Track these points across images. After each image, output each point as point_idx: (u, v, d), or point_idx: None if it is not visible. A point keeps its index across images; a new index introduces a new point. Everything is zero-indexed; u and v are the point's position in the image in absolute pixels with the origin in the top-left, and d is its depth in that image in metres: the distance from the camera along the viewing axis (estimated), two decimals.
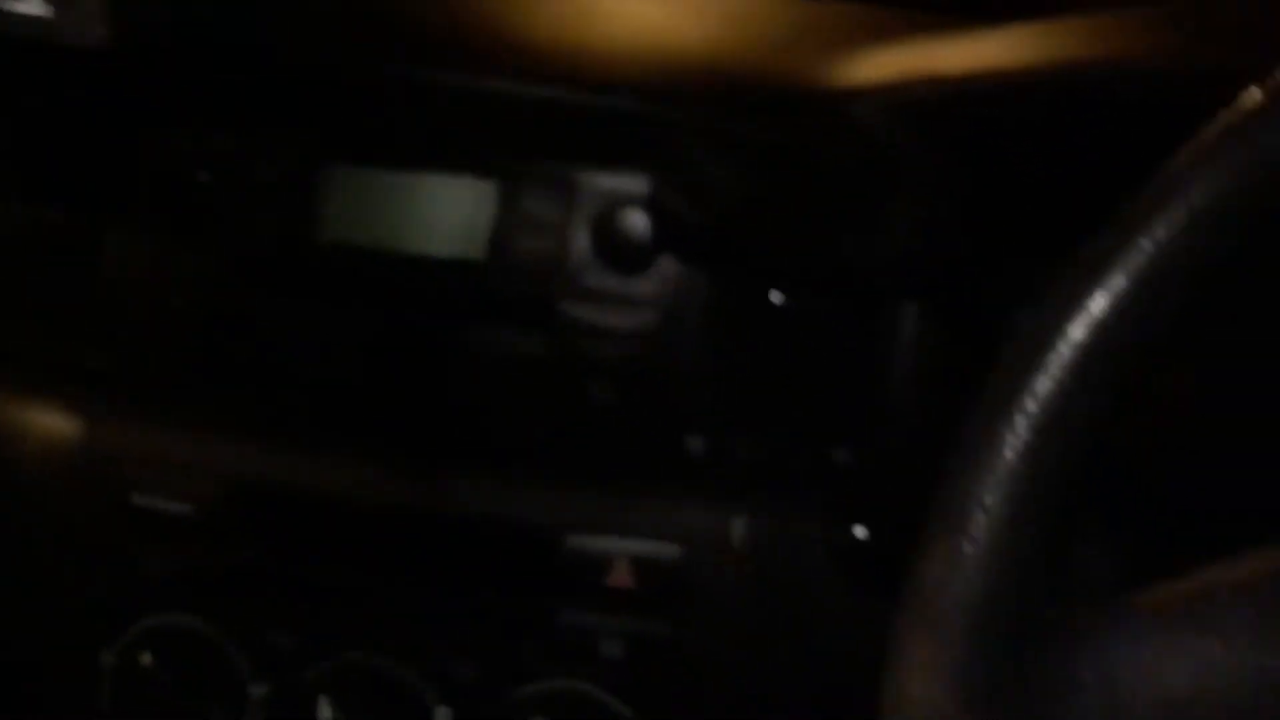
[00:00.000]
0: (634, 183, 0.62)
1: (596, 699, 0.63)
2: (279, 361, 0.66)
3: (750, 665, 0.63)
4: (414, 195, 0.64)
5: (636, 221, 0.62)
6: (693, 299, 0.63)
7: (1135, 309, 0.36)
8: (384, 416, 0.66)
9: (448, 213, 0.64)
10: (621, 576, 0.63)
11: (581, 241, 0.63)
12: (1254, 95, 0.36)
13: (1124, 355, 0.36)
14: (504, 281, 0.63)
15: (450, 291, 0.64)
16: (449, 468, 0.65)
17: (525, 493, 0.64)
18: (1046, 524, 0.37)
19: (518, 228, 0.63)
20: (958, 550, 0.37)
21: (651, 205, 0.62)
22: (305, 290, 0.65)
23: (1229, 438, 0.60)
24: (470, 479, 0.65)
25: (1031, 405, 0.36)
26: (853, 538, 0.62)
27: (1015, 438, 0.37)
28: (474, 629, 0.65)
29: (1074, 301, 0.36)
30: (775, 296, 0.63)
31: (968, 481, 0.37)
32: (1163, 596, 0.37)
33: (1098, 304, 0.36)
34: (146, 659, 0.66)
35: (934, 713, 0.37)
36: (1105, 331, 0.36)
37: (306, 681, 0.65)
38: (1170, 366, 0.42)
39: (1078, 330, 0.36)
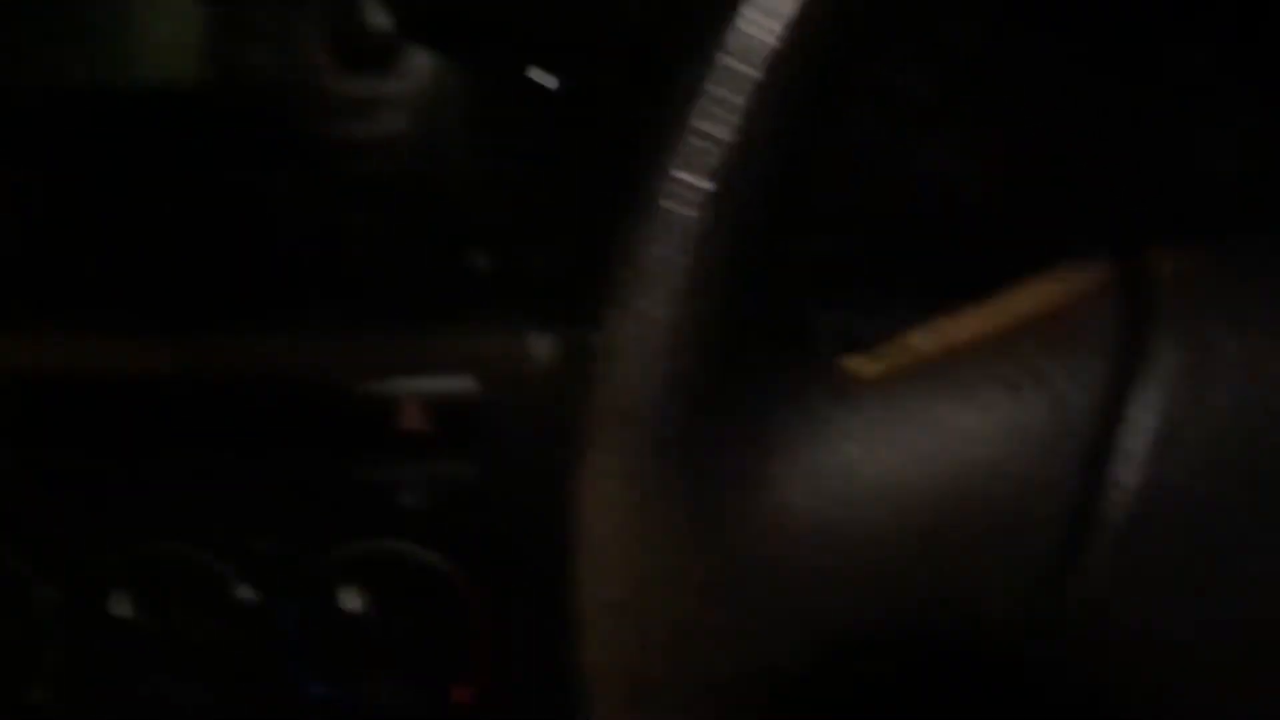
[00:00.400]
0: None
1: (406, 554, 0.57)
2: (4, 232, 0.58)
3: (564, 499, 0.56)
4: (123, 13, 0.55)
5: (373, 13, 0.54)
6: (450, 94, 0.55)
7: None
8: (135, 280, 0.58)
9: (161, 31, 0.55)
10: (414, 419, 0.56)
11: (315, 46, 0.54)
12: None
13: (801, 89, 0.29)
14: (235, 104, 0.55)
15: (177, 123, 0.56)
16: (214, 327, 0.57)
17: (299, 343, 0.57)
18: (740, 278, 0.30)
19: (241, 39, 0.54)
20: (647, 318, 0.30)
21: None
22: (18, 140, 0.57)
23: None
24: (237, 336, 0.57)
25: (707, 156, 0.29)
26: None
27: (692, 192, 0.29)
28: (267, 499, 0.58)
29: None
30: (543, 78, 0.54)
31: (649, 243, 0.30)
32: (887, 361, 0.30)
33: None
34: None
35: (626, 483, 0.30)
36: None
37: (97, 578, 0.59)
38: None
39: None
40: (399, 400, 0.56)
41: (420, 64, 0.55)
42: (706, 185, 0.30)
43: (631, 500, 0.30)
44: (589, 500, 0.31)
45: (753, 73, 0.29)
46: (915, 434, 0.30)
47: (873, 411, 0.30)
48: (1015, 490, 0.29)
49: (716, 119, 0.29)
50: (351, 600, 0.57)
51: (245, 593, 0.58)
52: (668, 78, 0.33)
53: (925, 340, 0.30)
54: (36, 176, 0.56)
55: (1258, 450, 0.28)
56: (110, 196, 0.56)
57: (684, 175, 0.30)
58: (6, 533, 0.59)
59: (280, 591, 0.58)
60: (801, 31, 0.29)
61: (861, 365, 0.31)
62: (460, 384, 0.56)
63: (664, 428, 0.30)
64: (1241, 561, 0.28)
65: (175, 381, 0.58)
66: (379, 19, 0.54)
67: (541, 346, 0.56)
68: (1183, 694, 0.29)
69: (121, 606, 0.59)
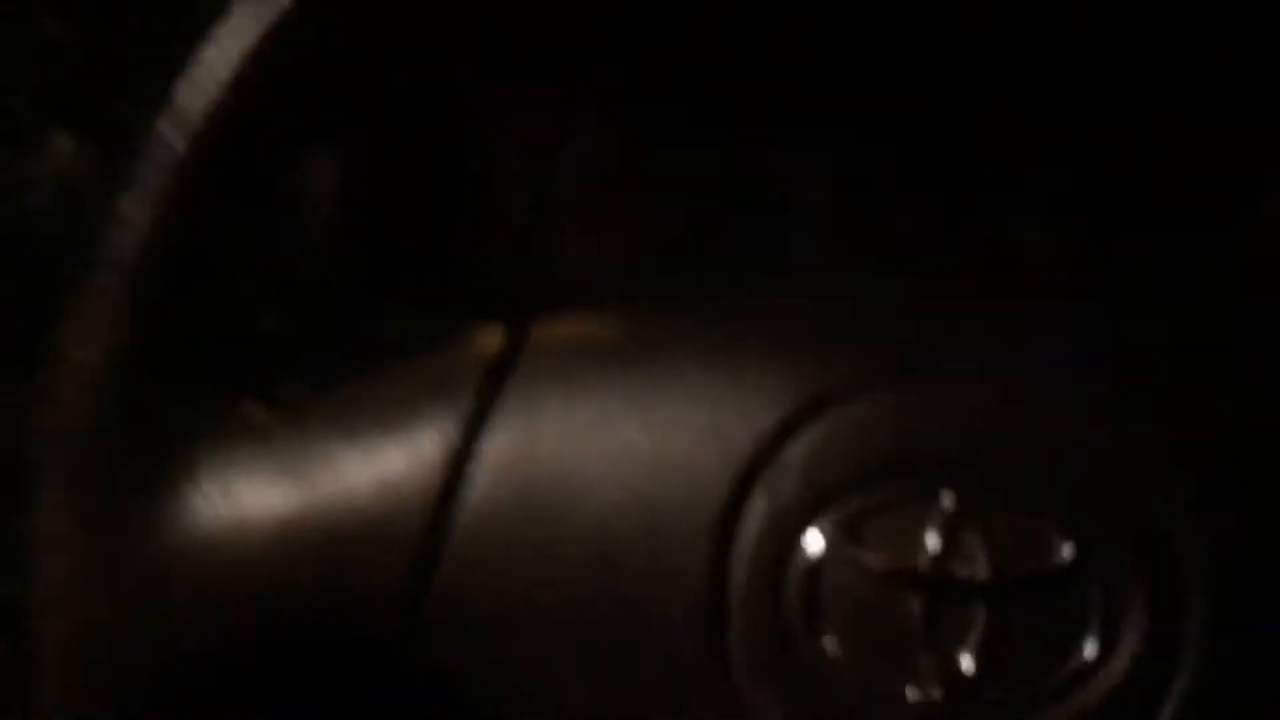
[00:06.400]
0: None
1: None
2: None
3: None
4: None
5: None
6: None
7: None
8: None
9: None
10: None
11: None
12: None
13: None
14: None
15: None
16: None
17: None
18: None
19: None
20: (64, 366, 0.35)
21: None
22: None
23: None
24: None
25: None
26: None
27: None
28: None
29: None
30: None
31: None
32: (257, 414, 0.36)
33: None
34: None
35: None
36: None
37: None
38: None
39: None
40: None
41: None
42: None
43: (61, 520, 0.35)
44: (39, 513, 0.36)
45: (176, 148, 0.35)
46: (300, 468, 0.36)
47: (270, 453, 0.36)
48: (380, 515, 0.35)
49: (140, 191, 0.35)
50: None
51: None
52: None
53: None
54: None
55: (568, 493, 0.35)
56: None
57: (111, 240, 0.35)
58: None
59: None
60: (215, 123, 0.35)
61: (253, 414, 0.37)
62: None
63: (84, 459, 0.35)
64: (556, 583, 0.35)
65: None
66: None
67: None
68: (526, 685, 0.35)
69: None
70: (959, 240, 0.63)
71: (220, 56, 0.37)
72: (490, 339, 0.37)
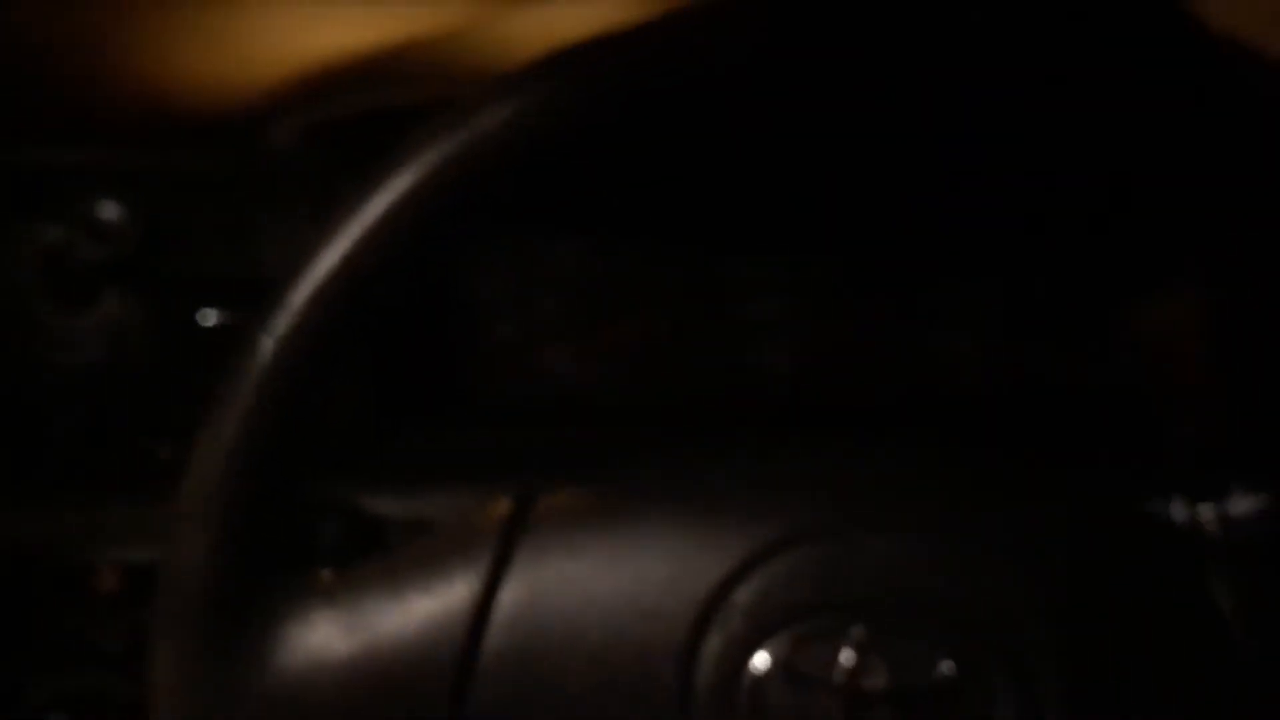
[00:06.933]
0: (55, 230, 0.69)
1: (106, 688, 0.71)
2: None
3: None
4: None
5: (77, 259, 0.69)
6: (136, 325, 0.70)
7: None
8: None
9: None
10: (110, 582, 0.71)
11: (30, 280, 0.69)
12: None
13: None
14: None
15: None
16: None
17: (20, 518, 0.71)
18: (260, 506, 0.45)
19: None
20: (193, 535, 0.45)
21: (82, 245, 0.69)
22: None
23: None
24: None
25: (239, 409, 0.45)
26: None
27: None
28: None
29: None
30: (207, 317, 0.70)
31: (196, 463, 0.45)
32: (325, 575, 0.46)
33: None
34: None
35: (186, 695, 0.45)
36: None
37: None
38: None
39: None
40: (97, 566, 0.71)
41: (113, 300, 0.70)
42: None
43: (177, 656, 0.45)
44: (158, 654, 0.46)
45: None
46: (356, 621, 0.46)
47: (335, 608, 0.46)
48: (420, 655, 0.45)
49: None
50: None
51: None
52: None
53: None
54: None
55: (566, 635, 0.45)
56: None
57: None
58: None
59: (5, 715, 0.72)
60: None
61: (321, 578, 0.47)
62: (146, 552, 0.71)
63: (197, 620, 0.45)
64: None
65: None
66: (80, 262, 0.69)
67: None
68: None
69: None
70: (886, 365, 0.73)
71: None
72: (501, 509, 0.48)
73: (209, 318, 0.70)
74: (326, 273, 0.45)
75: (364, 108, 0.70)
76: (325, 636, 0.45)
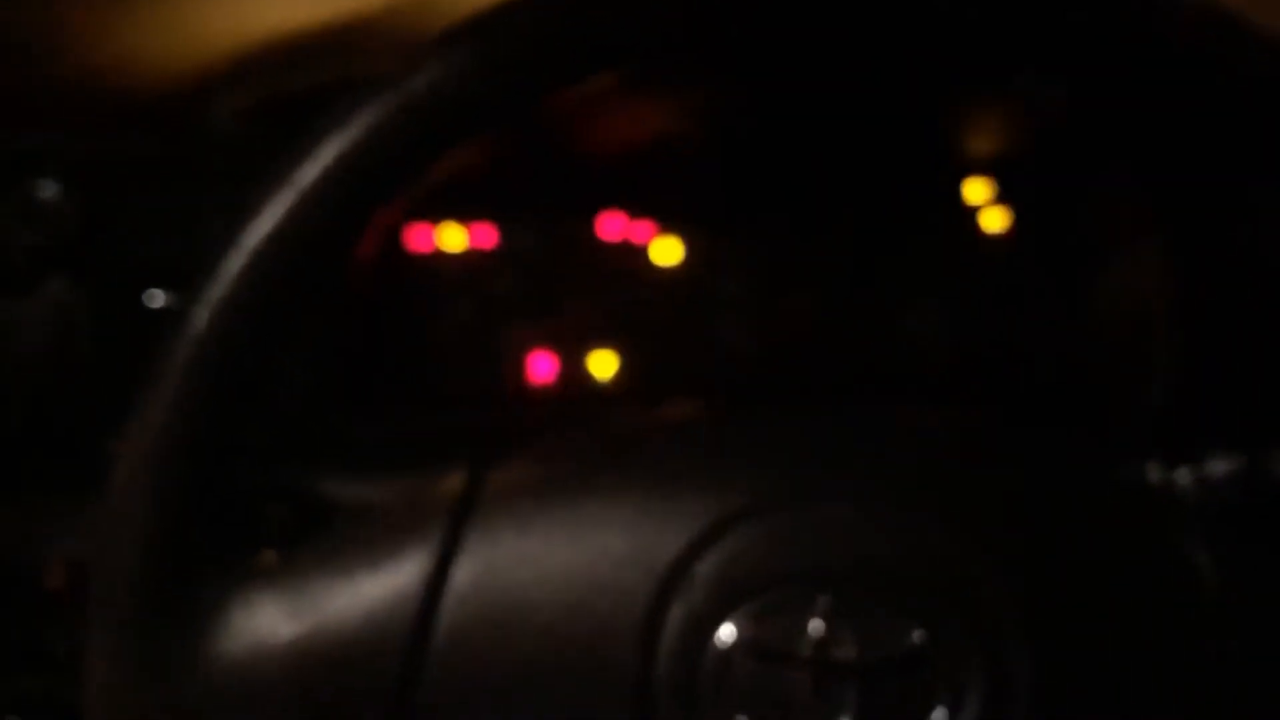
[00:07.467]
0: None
1: (53, 690, 0.69)
2: None
3: None
4: None
5: (17, 243, 0.67)
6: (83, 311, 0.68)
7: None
8: None
9: None
10: (58, 579, 0.68)
11: None
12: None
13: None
14: None
15: None
16: None
17: None
18: (188, 498, 0.43)
19: None
20: (124, 520, 0.43)
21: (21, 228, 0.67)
22: None
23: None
24: None
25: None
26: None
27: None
28: None
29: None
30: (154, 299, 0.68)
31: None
32: (268, 559, 0.44)
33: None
34: None
35: (120, 695, 0.43)
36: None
37: None
38: None
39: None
40: (44, 563, 0.68)
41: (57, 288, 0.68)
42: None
43: (111, 650, 0.43)
44: (92, 649, 0.44)
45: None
46: (302, 603, 0.44)
47: (279, 590, 0.44)
48: (369, 636, 0.44)
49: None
50: None
51: None
52: None
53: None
54: None
55: (521, 611, 0.43)
56: None
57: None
58: None
59: None
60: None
61: (265, 560, 0.45)
62: None
63: (134, 604, 0.43)
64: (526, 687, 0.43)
65: None
66: (19, 251, 0.67)
67: None
68: None
69: None
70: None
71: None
72: (454, 485, 0.46)
73: (155, 299, 0.67)
74: (261, 239, 0.43)
75: (306, 85, 0.68)
76: (269, 620, 0.44)
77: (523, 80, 0.43)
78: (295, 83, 0.67)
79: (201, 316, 0.43)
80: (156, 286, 0.68)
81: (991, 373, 0.75)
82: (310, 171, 0.43)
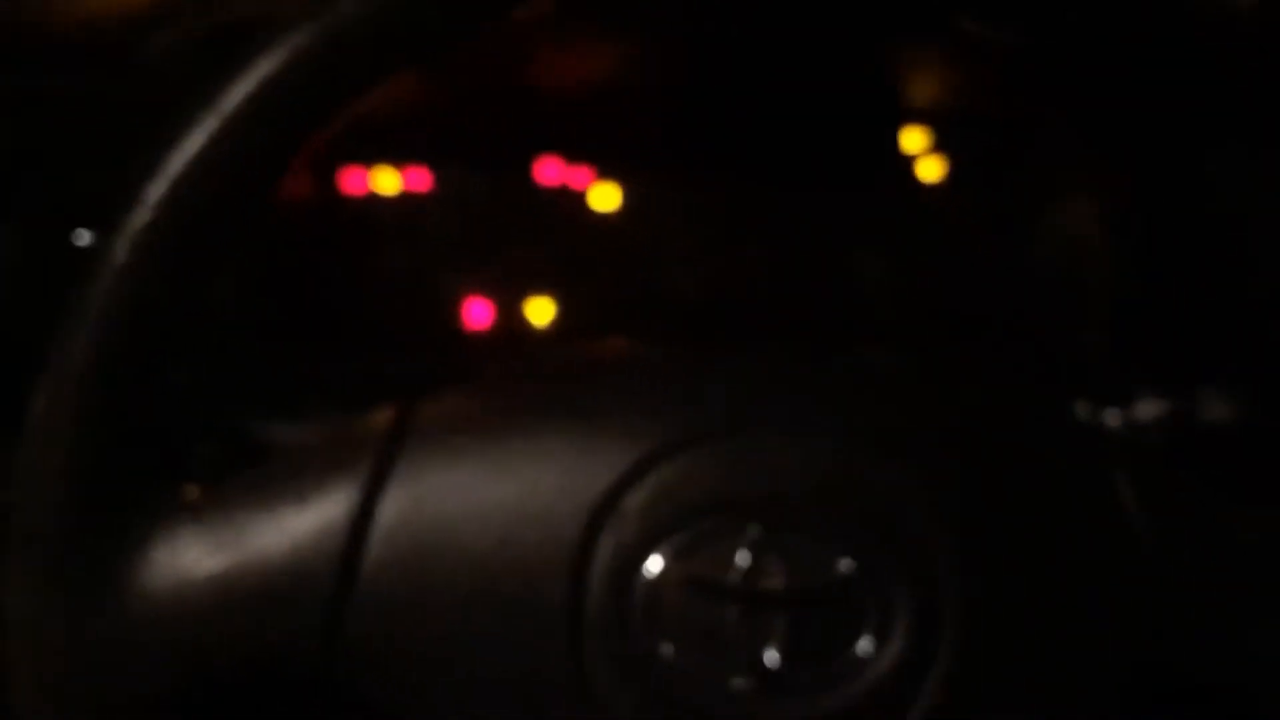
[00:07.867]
0: None
1: None
2: None
3: None
4: None
5: None
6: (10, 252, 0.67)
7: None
8: None
9: None
10: None
11: None
12: None
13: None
14: None
15: None
16: None
17: None
18: (112, 437, 0.43)
19: None
20: (42, 456, 0.42)
21: None
22: None
23: None
24: None
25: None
26: None
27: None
28: None
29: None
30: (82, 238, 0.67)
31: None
32: (193, 493, 0.44)
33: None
34: None
35: (38, 629, 0.42)
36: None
37: None
38: None
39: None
40: None
41: None
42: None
43: (30, 592, 0.43)
44: (10, 594, 0.43)
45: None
46: (226, 537, 0.44)
47: (203, 525, 0.44)
48: (295, 570, 0.43)
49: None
50: None
51: None
52: None
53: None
54: None
55: (450, 544, 0.43)
56: None
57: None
58: None
59: None
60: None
61: (188, 494, 0.45)
62: None
63: (55, 538, 0.43)
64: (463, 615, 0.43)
65: None
66: None
67: None
68: (423, 705, 0.43)
69: None
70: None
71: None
72: (381, 419, 0.45)
73: (83, 239, 0.66)
74: (182, 166, 0.42)
75: (238, 17, 0.67)
76: (193, 554, 0.43)
77: (456, 5, 0.43)
78: (229, 15, 0.66)
79: (123, 246, 0.42)
80: (85, 226, 0.66)
81: (931, 319, 0.75)
82: (234, 96, 0.42)
